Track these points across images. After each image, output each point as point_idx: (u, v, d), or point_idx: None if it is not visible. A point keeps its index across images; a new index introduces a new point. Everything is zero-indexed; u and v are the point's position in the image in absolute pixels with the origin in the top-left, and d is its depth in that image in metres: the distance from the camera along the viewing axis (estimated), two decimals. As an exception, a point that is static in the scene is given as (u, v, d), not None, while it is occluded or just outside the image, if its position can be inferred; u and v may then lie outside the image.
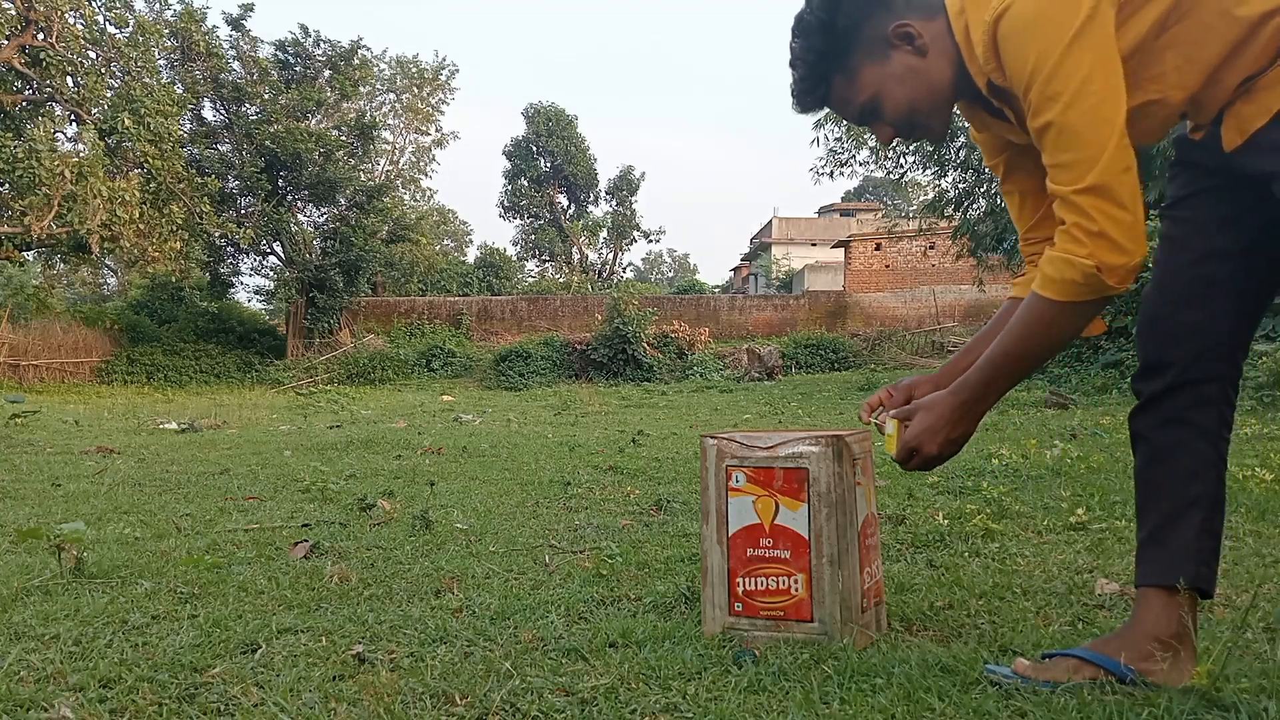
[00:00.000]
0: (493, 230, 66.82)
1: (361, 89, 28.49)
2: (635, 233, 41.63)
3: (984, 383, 1.58)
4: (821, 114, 15.45)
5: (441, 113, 33.37)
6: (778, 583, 1.86)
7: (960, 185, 15.57)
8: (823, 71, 1.57)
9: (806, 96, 1.62)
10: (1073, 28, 1.34)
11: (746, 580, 1.89)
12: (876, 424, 1.80)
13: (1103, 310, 1.52)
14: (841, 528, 1.83)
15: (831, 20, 1.54)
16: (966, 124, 1.72)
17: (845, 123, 15.19)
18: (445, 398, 17.56)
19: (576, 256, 40.78)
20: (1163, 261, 1.58)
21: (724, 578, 1.91)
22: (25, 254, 21.69)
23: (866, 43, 1.54)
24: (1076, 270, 1.39)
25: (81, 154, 18.65)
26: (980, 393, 1.59)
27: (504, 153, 40.81)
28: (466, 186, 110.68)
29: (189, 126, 23.63)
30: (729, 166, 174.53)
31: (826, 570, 1.82)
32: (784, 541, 1.86)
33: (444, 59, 34.62)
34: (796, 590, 1.84)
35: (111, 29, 20.34)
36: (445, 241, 43.33)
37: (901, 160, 15.85)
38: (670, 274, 72.88)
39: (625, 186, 41.29)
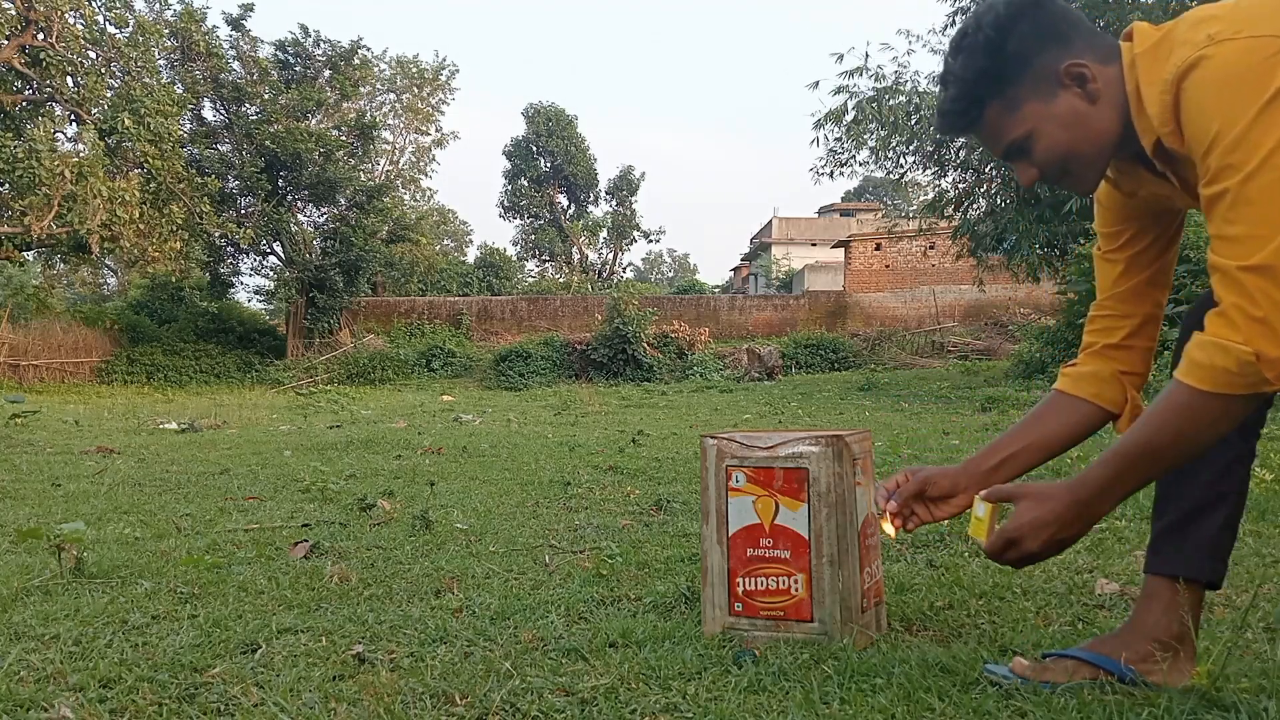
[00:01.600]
0: (493, 230, 66.94)
1: (361, 89, 28.50)
2: (635, 233, 41.63)
3: (1108, 480, 1.39)
4: (821, 114, 15.47)
5: (441, 113, 33.41)
6: (778, 583, 1.86)
7: (960, 185, 15.57)
8: (979, 95, 1.45)
9: (956, 118, 1.50)
10: (1265, 95, 1.24)
11: (746, 580, 1.89)
12: (883, 511, 1.72)
13: (1255, 406, 1.35)
14: (841, 528, 1.83)
15: (1002, 43, 1.41)
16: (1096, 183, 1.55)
17: (844, 123, 15.19)
18: (445, 398, 17.56)
19: (576, 256, 40.79)
20: None
21: (724, 578, 1.91)
22: (25, 254, 21.70)
23: (1034, 75, 1.42)
24: (1231, 357, 1.25)
25: (81, 154, 18.66)
26: (1102, 490, 1.40)
27: (504, 153, 40.85)
28: (466, 186, 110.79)
29: (189, 126, 23.64)
30: (729, 166, 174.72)
31: (826, 570, 1.82)
32: (784, 541, 1.86)
33: (444, 59, 34.66)
34: (796, 590, 1.84)
35: (111, 29, 20.35)
36: (445, 241, 43.32)
37: (901, 160, 15.84)
38: (670, 274, 72.89)
39: (625, 186, 41.29)
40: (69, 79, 19.40)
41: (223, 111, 24.96)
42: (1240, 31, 1.27)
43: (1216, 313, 1.29)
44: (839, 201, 47.98)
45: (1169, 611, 1.52)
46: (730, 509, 1.91)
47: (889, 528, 1.70)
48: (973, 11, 1.49)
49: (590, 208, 41.96)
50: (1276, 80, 1.24)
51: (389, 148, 32.37)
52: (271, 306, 32.51)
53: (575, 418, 10.87)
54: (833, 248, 32.81)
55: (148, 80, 20.20)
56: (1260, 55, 1.25)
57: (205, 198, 20.86)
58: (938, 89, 1.53)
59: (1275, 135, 1.23)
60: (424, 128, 33.35)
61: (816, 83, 15.29)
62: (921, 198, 21.01)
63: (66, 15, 18.71)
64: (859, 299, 28.20)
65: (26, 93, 19.69)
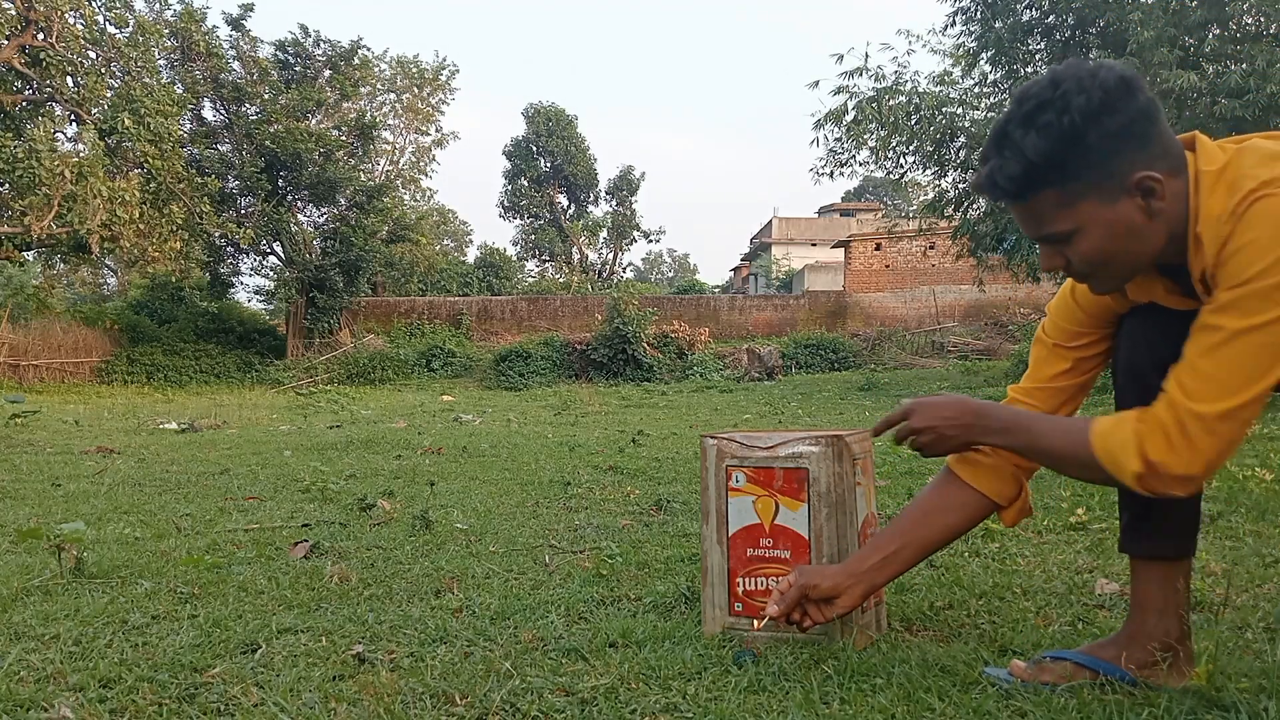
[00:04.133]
0: (493, 230, 66.88)
1: (362, 89, 28.47)
2: (635, 233, 41.61)
3: (1002, 422, 1.51)
4: (821, 114, 15.44)
5: (441, 113, 33.35)
6: (778, 583, 1.86)
7: (960, 185, 15.55)
8: (1040, 180, 1.32)
9: (1002, 193, 1.36)
10: None
11: (746, 580, 1.89)
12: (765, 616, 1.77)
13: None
14: (841, 528, 1.83)
15: (1084, 134, 1.28)
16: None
17: (845, 123, 15.17)
18: (445, 398, 17.55)
19: (576, 256, 40.78)
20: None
21: (724, 578, 1.91)
22: (25, 254, 21.68)
23: (1104, 176, 1.30)
24: (1130, 462, 1.32)
25: (81, 154, 18.64)
26: (994, 423, 1.52)
27: (504, 153, 40.83)
28: (466, 186, 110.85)
29: (189, 126, 23.61)
30: (729, 166, 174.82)
31: (826, 570, 1.81)
32: (784, 541, 1.86)
33: (444, 59, 34.60)
34: (796, 590, 1.84)
35: (111, 29, 20.32)
36: (445, 241, 43.29)
37: (901, 160, 15.82)
38: (670, 274, 72.85)
39: (625, 186, 41.28)
40: (69, 79, 19.37)
41: (223, 111, 24.94)
42: None
43: (1155, 417, 1.32)
44: (839, 201, 47.97)
45: (1165, 616, 1.53)
46: (730, 509, 1.91)
47: (755, 622, 1.84)
48: (1054, 76, 1.32)
49: (590, 208, 41.97)
50: None
51: (389, 148, 32.35)
52: (271, 306, 32.48)
53: (575, 418, 10.86)
54: (833, 248, 32.81)
55: (148, 80, 20.17)
56: None
57: (205, 198, 20.83)
58: (991, 148, 1.37)
59: None
60: (424, 128, 33.32)
61: (816, 82, 15.26)
62: (921, 198, 21.01)
63: (66, 15, 18.68)
64: (859, 299, 28.20)
65: (26, 93, 19.67)
